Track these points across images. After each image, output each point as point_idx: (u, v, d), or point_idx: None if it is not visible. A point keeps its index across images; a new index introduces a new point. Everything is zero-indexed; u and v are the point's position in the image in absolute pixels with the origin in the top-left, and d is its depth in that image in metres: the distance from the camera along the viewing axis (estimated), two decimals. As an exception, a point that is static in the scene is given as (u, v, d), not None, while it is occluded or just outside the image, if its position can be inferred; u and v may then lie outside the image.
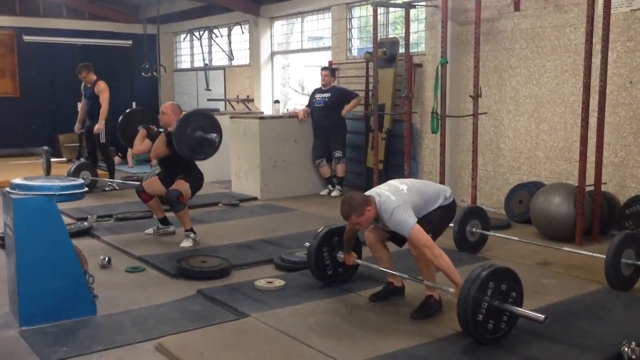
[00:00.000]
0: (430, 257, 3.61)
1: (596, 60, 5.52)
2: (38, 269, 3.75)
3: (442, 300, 3.89)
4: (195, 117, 5.75)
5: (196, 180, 5.86)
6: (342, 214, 3.80)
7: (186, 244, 5.62)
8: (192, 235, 5.68)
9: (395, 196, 3.77)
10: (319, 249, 4.34)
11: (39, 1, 12.50)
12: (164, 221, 6.04)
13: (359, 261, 4.36)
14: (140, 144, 5.96)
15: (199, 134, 5.58)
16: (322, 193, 8.33)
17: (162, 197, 5.93)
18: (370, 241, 4.11)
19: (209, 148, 5.75)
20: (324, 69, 8.39)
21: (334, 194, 8.21)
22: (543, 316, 3.27)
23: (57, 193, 3.78)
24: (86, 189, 4.06)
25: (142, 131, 5.96)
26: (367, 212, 3.73)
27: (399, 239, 4.07)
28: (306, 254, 4.48)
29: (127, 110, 7.21)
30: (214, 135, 5.64)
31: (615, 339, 3.35)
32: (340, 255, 4.36)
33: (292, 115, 8.66)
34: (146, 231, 6.04)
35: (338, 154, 8.21)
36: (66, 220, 6.07)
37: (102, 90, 8.49)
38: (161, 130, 5.83)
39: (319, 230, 4.45)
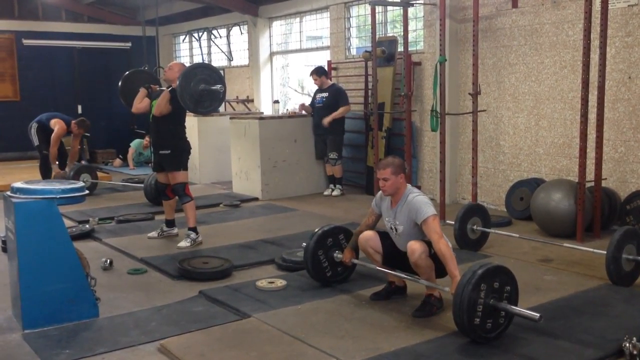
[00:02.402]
0: (437, 240, 3.65)
1: (595, 56, 5.52)
2: (40, 272, 3.76)
3: (442, 298, 3.90)
4: (199, 70, 5.66)
5: (181, 156, 5.77)
6: (380, 164, 3.93)
7: (184, 243, 5.62)
8: (192, 235, 5.69)
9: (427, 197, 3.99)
10: (315, 252, 4.34)
11: (38, 4, 12.51)
12: (171, 223, 6.06)
13: (355, 261, 4.36)
14: (140, 102, 5.95)
15: (202, 87, 5.52)
16: (325, 193, 8.32)
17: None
18: (362, 245, 4.12)
19: (213, 101, 5.68)
20: (311, 73, 8.34)
21: (334, 193, 8.22)
22: (538, 315, 3.27)
23: (58, 196, 3.80)
24: (87, 191, 4.07)
25: (142, 91, 5.96)
26: (399, 178, 3.89)
27: (393, 259, 4.07)
28: (303, 260, 4.48)
29: (128, 71, 7.09)
30: (219, 86, 5.59)
31: (617, 335, 3.36)
32: (337, 255, 4.36)
33: (292, 115, 8.67)
34: (149, 235, 6.03)
35: (333, 155, 8.17)
36: (68, 223, 6.10)
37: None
38: (162, 89, 5.84)
39: (313, 233, 4.44)
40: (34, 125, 8.58)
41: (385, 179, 3.87)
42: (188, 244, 5.61)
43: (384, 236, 4.09)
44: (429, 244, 3.77)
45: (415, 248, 3.75)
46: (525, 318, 3.34)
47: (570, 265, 4.89)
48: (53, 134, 8.45)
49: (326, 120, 8.02)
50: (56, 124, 8.48)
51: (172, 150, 5.70)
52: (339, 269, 4.45)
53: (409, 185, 3.97)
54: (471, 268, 3.42)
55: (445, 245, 3.65)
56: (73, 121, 8.63)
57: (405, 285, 4.20)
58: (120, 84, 6.86)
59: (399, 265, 4.02)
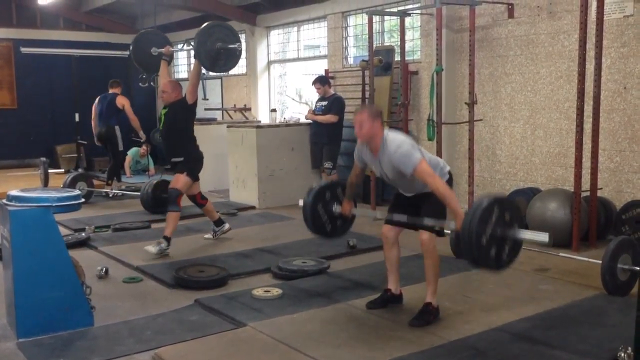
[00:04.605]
0: (432, 182, 3.62)
1: (590, 66, 5.54)
2: (35, 280, 3.75)
3: (439, 308, 3.90)
4: (217, 29, 5.74)
5: (194, 163, 5.91)
6: (358, 111, 3.87)
7: (151, 248, 5.53)
8: (163, 244, 5.58)
9: (406, 137, 3.91)
10: (314, 207, 4.27)
11: (36, 13, 12.55)
12: (218, 222, 6.26)
13: (355, 211, 4.30)
14: (166, 75, 6.03)
15: (219, 45, 5.64)
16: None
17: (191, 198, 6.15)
18: (389, 240, 4.06)
19: (229, 59, 5.79)
20: (313, 82, 8.34)
21: (331, 201, 8.21)
22: (547, 234, 3.25)
23: (53, 204, 3.79)
24: (82, 199, 4.07)
25: (163, 63, 6.09)
26: (376, 123, 3.78)
27: (414, 224, 4.01)
28: (302, 214, 4.36)
29: (137, 35, 6.95)
30: (237, 44, 5.72)
31: (612, 345, 3.36)
32: (336, 208, 4.29)
33: (289, 124, 8.68)
34: (205, 236, 6.28)
35: (328, 164, 8.14)
36: (64, 231, 6.10)
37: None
38: (174, 50, 6.07)
39: (311, 188, 4.37)
40: (117, 129, 8.84)
41: (361, 122, 3.79)
42: (155, 251, 5.51)
43: (394, 208, 4.07)
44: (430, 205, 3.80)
45: (424, 239, 3.81)
46: (534, 241, 3.35)
47: (566, 274, 4.89)
48: (128, 106, 8.88)
49: (308, 115, 8.12)
50: (123, 100, 8.92)
51: (186, 157, 5.82)
52: (339, 222, 4.39)
53: (386, 131, 3.86)
54: (487, 194, 3.44)
55: (442, 183, 3.65)
56: (114, 92, 9.04)
57: (401, 294, 4.19)
58: (131, 49, 6.63)
59: (407, 210, 3.96)
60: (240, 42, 5.85)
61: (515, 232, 3.33)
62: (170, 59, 6.17)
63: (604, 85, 5.70)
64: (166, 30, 12.63)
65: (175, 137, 5.83)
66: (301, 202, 4.37)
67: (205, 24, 5.75)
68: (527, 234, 3.38)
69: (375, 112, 3.82)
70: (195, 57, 5.73)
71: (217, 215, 6.32)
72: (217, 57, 5.70)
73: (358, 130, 3.82)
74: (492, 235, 3.27)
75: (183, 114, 5.78)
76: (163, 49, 6.19)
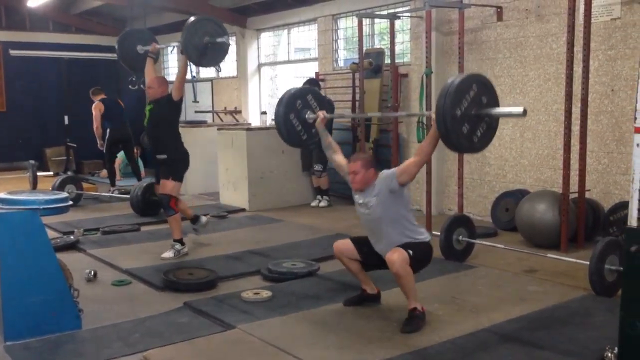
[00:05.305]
0: (416, 154, 3.79)
1: (578, 69, 5.58)
2: (22, 283, 3.73)
3: (425, 311, 3.90)
4: (204, 23, 5.73)
5: (177, 163, 5.74)
6: (351, 157, 3.97)
7: (167, 254, 5.58)
8: (177, 246, 5.66)
9: None
10: (286, 116, 4.22)
11: (26, 15, 12.48)
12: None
13: (325, 114, 4.27)
14: (152, 72, 5.93)
15: (207, 40, 5.62)
16: (312, 204, 8.32)
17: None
18: (337, 255, 4.13)
19: (216, 54, 5.78)
20: (304, 84, 8.35)
21: (321, 204, 8.23)
22: (522, 108, 3.26)
23: (41, 207, 3.79)
24: (70, 202, 4.06)
25: (149, 61, 5.98)
26: (369, 172, 3.87)
27: (371, 263, 4.07)
28: (276, 127, 4.30)
29: (122, 33, 6.87)
30: (225, 37, 5.70)
31: (599, 345, 3.37)
32: (310, 115, 4.27)
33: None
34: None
35: (318, 167, 8.17)
36: (52, 234, 6.06)
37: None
38: (161, 46, 6.11)
39: (281, 98, 4.33)
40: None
41: (355, 172, 3.86)
42: (171, 255, 5.58)
43: (361, 242, 4.08)
44: (408, 246, 3.79)
45: (394, 259, 3.71)
46: (509, 115, 3.36)
47: (554, 275, 4.92)
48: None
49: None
50: (120, 102, 9.62)
51: (169, 155, 5.68)
52: (313, 130, 4.36)
53: (379, 174, 3.92)
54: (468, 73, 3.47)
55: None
56: (102, 97, 9.46)
57: (378, 294, 4.22)
58: (117, 47, 6.55)
59: (377, 265, 4.00)
60: (228, 35, 5.80)
61: (490, 110, 3.32)
62: (156, 56, 6.10)
63: (591, 87, 5.74)
64: (156, 32, 12.58)
65: (160, 133, 5.70)
66: (273, 116, 4.36)
67: (192, 18, 5.68)
68: (501, 110, 3.40)
69: (369, 161, 3.91)
70: (182, 52, 5.69)
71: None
72: (205, 51, 5.65)
73: (352, 178, 3.90)
74: (466, 109, 3.24)
75: (168, 110, 5.67)
76: (149, 47, 6.16)
